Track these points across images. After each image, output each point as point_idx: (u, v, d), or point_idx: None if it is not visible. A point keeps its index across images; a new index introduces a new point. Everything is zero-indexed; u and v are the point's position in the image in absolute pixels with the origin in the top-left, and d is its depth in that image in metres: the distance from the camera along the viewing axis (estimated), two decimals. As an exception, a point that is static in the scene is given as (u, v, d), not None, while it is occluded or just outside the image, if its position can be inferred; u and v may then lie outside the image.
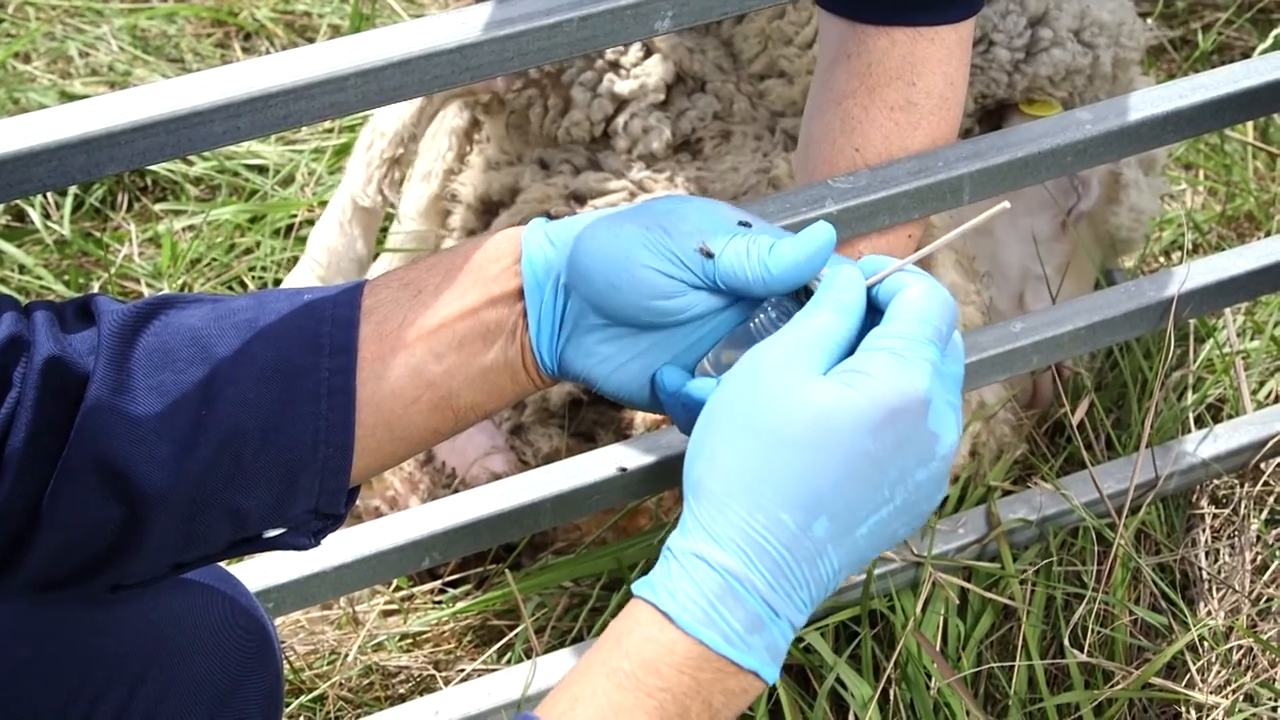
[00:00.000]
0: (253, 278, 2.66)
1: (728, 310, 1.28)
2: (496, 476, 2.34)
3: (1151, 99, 1.85)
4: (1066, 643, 2.01)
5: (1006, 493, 2.21)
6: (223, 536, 1.30)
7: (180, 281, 2.62)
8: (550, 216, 2.46)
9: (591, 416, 2.36)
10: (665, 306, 1.26)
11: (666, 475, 1.89)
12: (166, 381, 1.25)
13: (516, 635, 2.10)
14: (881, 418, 1.12)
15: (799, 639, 2.01)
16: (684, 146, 2.41)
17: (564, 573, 2.12)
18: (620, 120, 2.38)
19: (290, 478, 1.28)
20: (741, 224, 1.28)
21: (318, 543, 1.34)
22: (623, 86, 2.37)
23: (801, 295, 1.26)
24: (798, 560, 1.12)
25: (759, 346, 1.18)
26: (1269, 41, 2.97)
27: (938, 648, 2.01)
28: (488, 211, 2.51)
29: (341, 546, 1.79)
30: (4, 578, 1.26)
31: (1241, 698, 1.93)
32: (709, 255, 1.24)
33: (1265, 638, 2.01)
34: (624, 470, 1.83)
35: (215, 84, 1.42)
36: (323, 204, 2.71)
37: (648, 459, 1.86)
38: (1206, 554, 2.19)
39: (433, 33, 1.47)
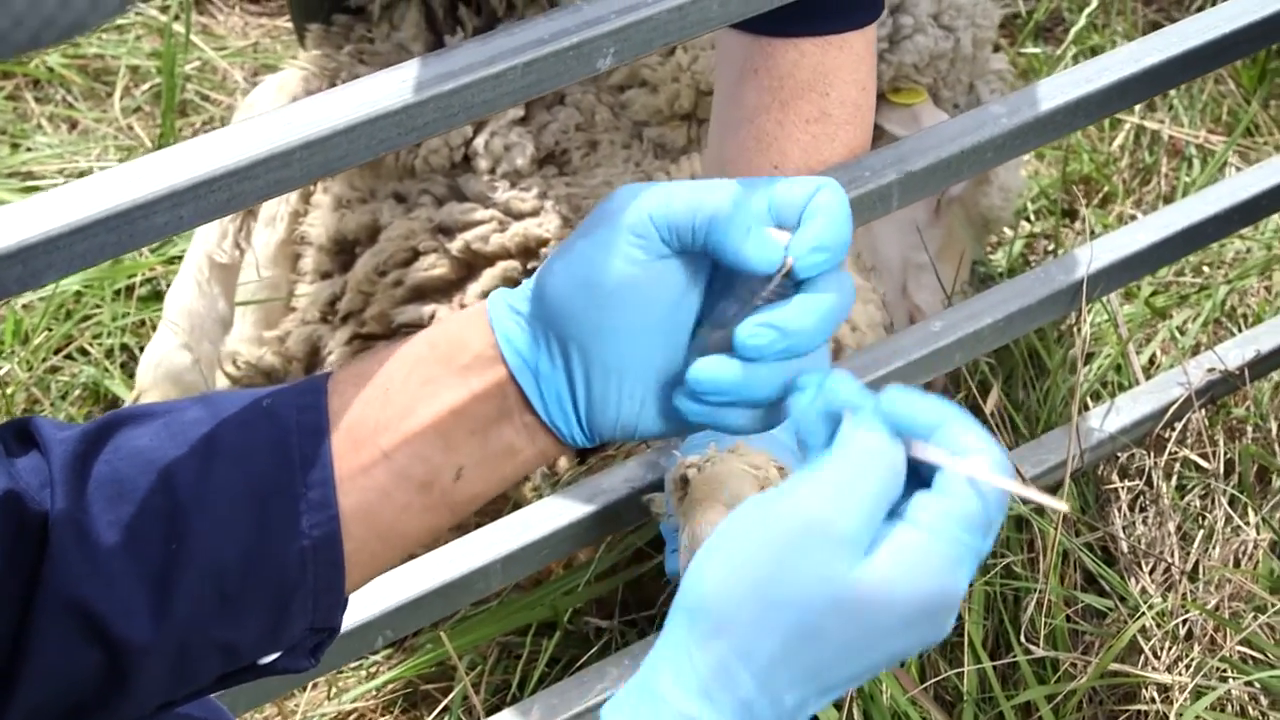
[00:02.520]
0: (97, 345, 2.51)
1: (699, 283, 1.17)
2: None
3: (1060, 86, 1.83)
4: (1017, 638, 2.00)
5: (924, 489, 2.19)
6: (214, 671, 1.20)
7: (21, 357, 2.46)
8: (417, 253, 2.38)
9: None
10: (642, 288, 1.14)
11: (609, 521, 1.82)
12: (125, 515, 1.14)
13: (453, 698, 2.01)
14: (919, 617, 1.04)
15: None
16: (549, 159, 2.34)
17: (496, 627, 2.04)
18: (480, 140, 2.30)
19: (281, 604, 1.18)
20: None
21: (317, 661, 1.24)
22: (481, 108, 2.28)
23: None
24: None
25: (797, 491, 1.04)
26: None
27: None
28: (343, 252, 2.40)
29: (290, 638, 1.68)
30: None
31: (1199, 674, 1.94)
32: None
33: (1207, 608, 2.02)
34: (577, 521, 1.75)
35: (153, 172, 1.30)
36: (164, 262, 2.57)
37: (590, 507, 1.80)
38: (1125, 528, 2.20)
39: (375, 95, 1.38)
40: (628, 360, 1.17)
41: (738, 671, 1.04)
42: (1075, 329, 2.07)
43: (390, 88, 1.38)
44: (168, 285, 2.56)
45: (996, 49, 3.01)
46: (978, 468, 1.03)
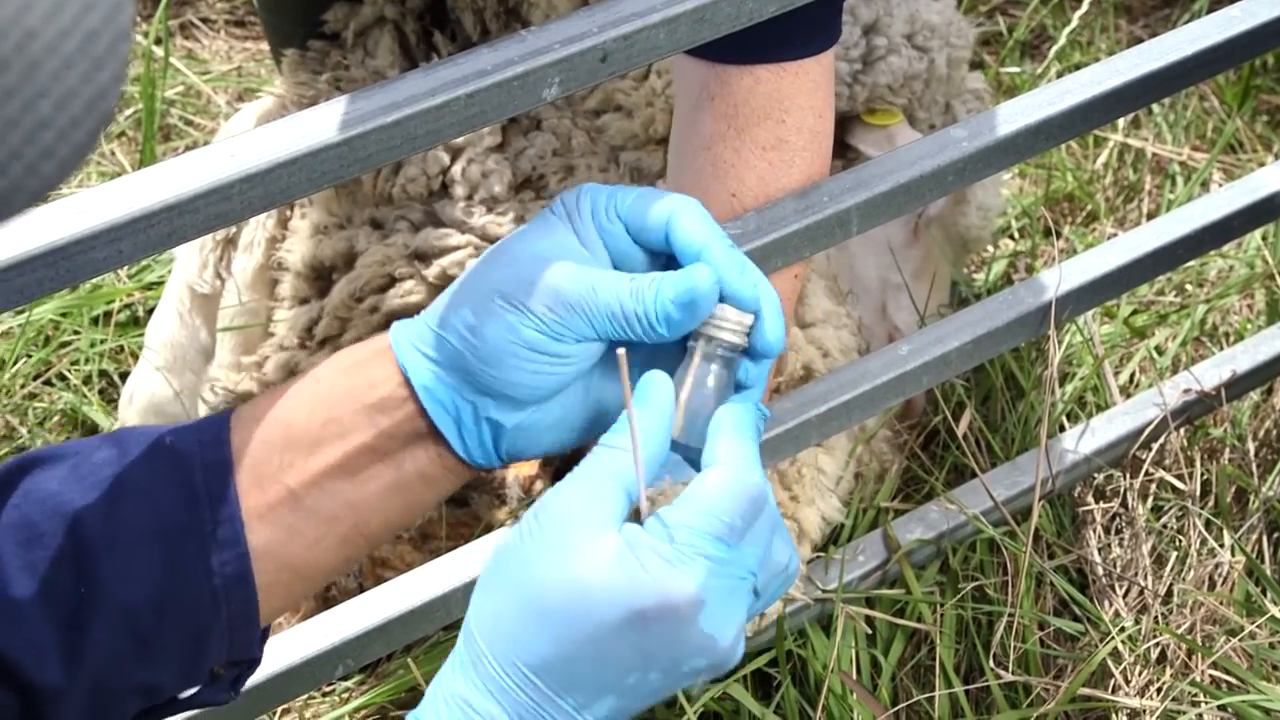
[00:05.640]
0: (75, 371, 2.52)
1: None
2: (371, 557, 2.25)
3: (1022, 108, 1.82)
4: (988, 663, 1.99)
5: (897, 512, 2.19)
6: (133, 709, 1.20)
7: (-1, 385, 2.47)
8: (393, 280, 2.37)
9: (461, 480, 2.27)
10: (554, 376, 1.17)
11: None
12: (37, 560, 1.13)
13: (423, 725, 2.00)
14: (646, 615, 1.06)
15: (716, 688, 1.96)
16: (526, 184, 2.34)
17: (465, 653, 2.03)
18: (457, 168, 2.30)
19: (198, 641, 1.18)
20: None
21: (237, 693, 1.24)
22: (456, 135, 2.27)
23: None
24: (554, 716, 1.08)
25: (554, 493, 1.09)
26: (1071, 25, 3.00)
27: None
28: (320, 278, 2.40)
29: (249, 668, 1.68)
30: None
31: (1169, 698, 1.92)
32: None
33: (1179, 632, 2.01)
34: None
35: (91, 207, 1.30)
36: (142, 288, 2.58)
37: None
38: (1100, 550, 2.19)
39: (316, 128, 1.38)
40: (558, 410, 1.19)
41: (487, 655, 1.07)
42: (1051, 352, 2.06)
43: (332, 120, 1.38)
44: (146, 311, 2.56)
45: (979, 67, 3.01)
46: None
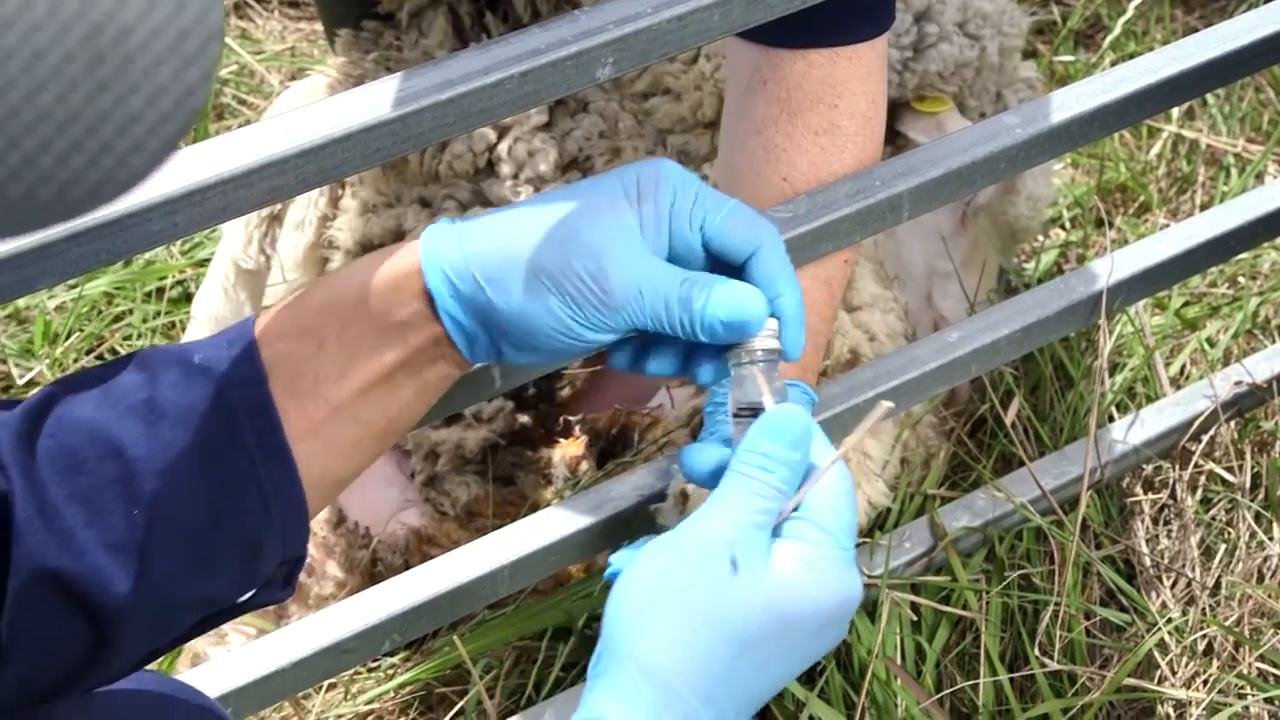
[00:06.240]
0: (127, 346, 2.53)
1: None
2: (413, 531, 2.26)
3: (1076, 96, 1.82)
4: (1033, 651, 1.98)
5: (944, 499, 2.18)
6: (194, 618, 1.25)
7: (52, 359, 2.49)
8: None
9: (509, 459, 2.28)
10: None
11: (617, 529, 1.82)
12: (83, 486, 1.17)
13: (468, 701, 2.02)
14: (831, 620, 1.15)
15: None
16: (572, 165, 2.34)
17: (511, 631, 2.04)
18: (503, 146, 2.30)
19: (253, 548, 1.23)
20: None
21: (292, 590, 1.29)
22: (503, 113, 2.28)
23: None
24: None
25: (701, 520, 1.15)
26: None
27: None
28: (370, 256, 2.41)
29: (296, 640, 1.69)
30: None
31: (1215, 690, 1.92)
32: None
33: (1227, 624, 2.00)
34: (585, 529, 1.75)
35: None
36: (194, 264, 2.59)
37: (598, 515, 1.79)
38: (1148, 541, 2.18)
39: (371, 104, 1.38)
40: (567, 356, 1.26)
41: (682, 691, 1.10)
42: (1101, 342, 2.05)
43: (387, 96, 1.39)
44: (198, 287, 2.58)
45: (1032, 56, 3.00)
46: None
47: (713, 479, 1.22)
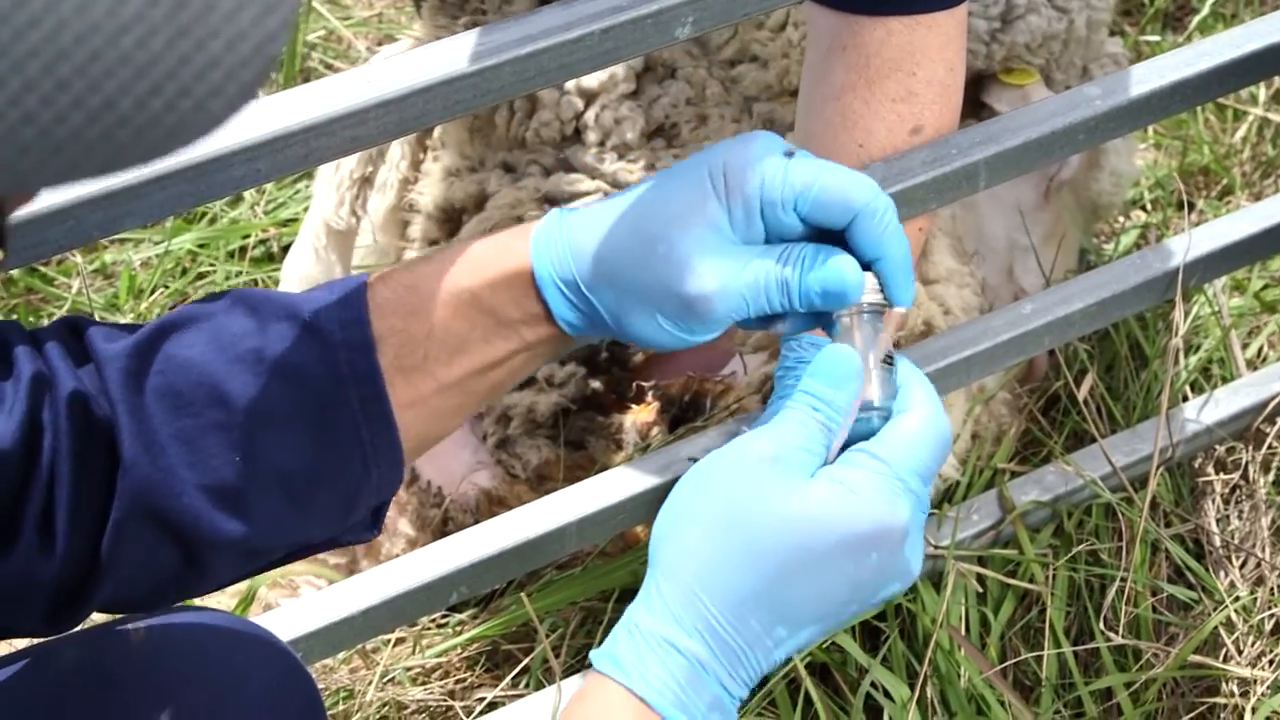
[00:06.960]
0: (210, 303, 2.57)
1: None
2: (484, 492, 2.28)
3: (1158, 69, 1.81)
4: (1098, 625, 1.98)
5: (1014, 474, 2.18)
6: (283, 554, 1.31)
7: (136, 314, 2.53)
8: (522, 222, 2.40)
9: (580, 424, 2.30)
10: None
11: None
12: (188, 428, 1.21)
13: (533, 659, 2.04)
14: (863, 543, 1.16)
15: (825, 640, 1.97)
16: (658, 133, 2.35)
17: (578, 590, 2.06)
18: (590, 114, 2.32)
19: (349, 502, 1.27)
20: (787, 154, 1.25)
21: (379, 529, 1.34)
22: (591, 80, 2.29)
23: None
24: (756, 655, 1.17)
25: (746, 440, 1.18)
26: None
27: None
28: (450, 220, 2.43)
29: (366, 589, 1.72)
30: (68, 621, 1.26)
31: (1281, 669, 1.91)
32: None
33: (1296, 604, 1.99)
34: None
35: (231, 126, 1.33)
36: (277, 224, 2.63)
37: (667, 475, 1.81)
38: (1218, 521, 2.17)
39: (452, 56, 1.40)
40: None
41: (699, 595, 1.14)
42: (1176, 318, 2.04)
43: (467, 50, 1.41)
44: (280, 247, 2.61)
45: (1118, 34, 2.98)
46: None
47: None
